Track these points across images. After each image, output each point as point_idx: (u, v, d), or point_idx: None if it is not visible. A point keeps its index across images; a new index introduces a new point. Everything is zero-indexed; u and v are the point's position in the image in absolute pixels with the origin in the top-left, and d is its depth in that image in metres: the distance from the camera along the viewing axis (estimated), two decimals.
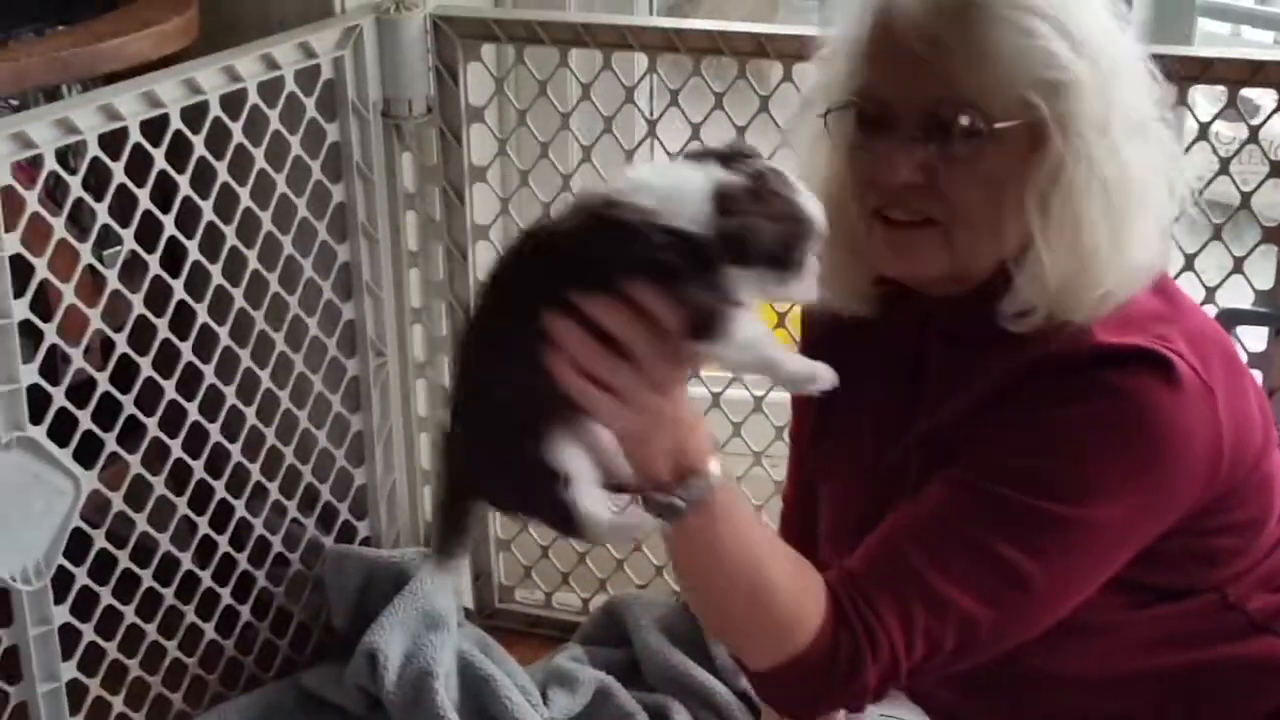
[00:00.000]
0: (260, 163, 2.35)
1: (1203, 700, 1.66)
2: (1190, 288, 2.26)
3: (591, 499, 1.42)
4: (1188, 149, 2.26)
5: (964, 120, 1.49)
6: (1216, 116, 2.25)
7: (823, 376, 1.43)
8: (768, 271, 1.37)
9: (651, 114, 2.53)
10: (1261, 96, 2.23)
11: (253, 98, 2.30)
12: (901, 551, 1.51)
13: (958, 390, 1.59)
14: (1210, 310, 2.27)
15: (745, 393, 2.57)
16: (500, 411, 1.42)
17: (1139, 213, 1.54)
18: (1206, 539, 1.61)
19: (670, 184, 1.37)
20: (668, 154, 2.50)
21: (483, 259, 2.60)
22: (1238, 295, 2.29)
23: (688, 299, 1.34)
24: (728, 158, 1.40)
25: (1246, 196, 2.24)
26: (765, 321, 1.46)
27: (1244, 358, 2.26)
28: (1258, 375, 2.27)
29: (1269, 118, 2.22)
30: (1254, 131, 2.22)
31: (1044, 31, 1.48)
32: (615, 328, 1.32)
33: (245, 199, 2.35)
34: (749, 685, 1.63)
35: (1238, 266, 2.27)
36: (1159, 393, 1.49)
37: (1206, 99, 2.38)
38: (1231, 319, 2.26)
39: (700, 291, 1.34)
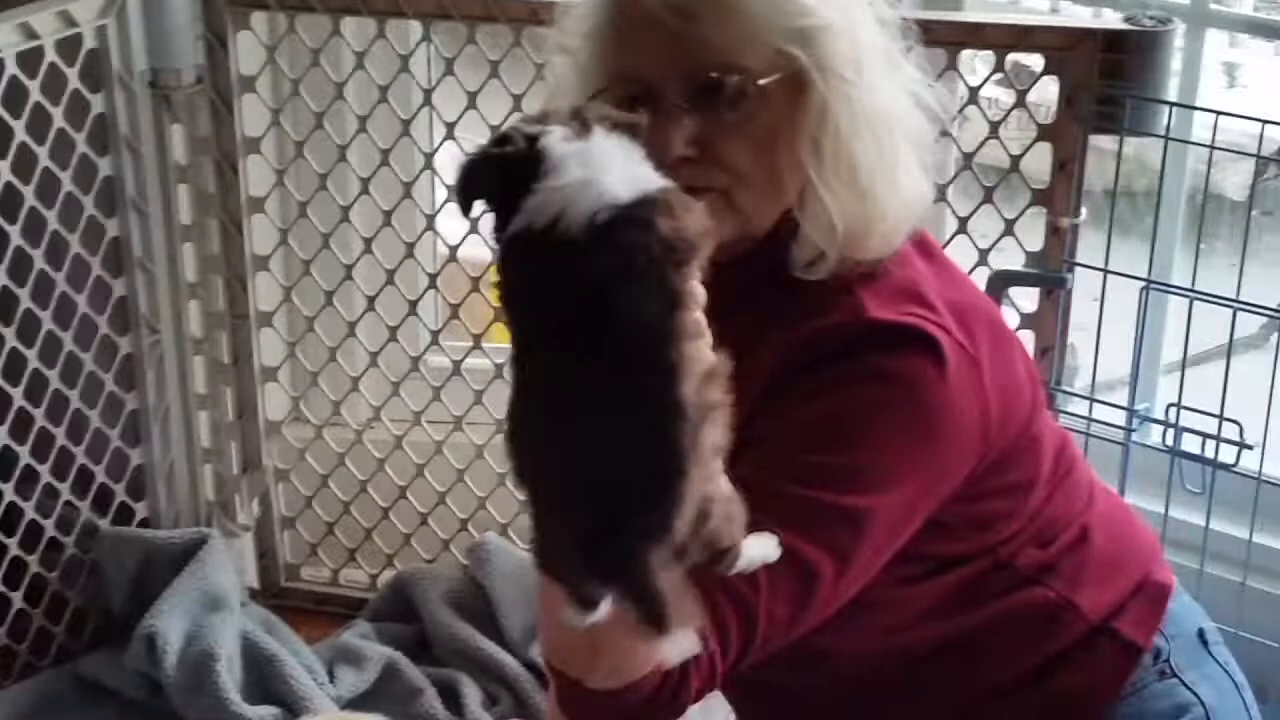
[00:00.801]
0: (21, 135, 2.28)
1: (982, 657, 1.69)
2: (963, 250, 2.30)
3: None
4: (959, 113, 2.30)
5: (728, 83, 1.49)
6: (985, 81, 2.28)
7: None
8: None
9: (428, 82, 2.50)
10: (1032, 60, 2.26)
11: (11, 68, 2.23)
12: None
13: (739, 370, 1.59)
14: (983, 272, 2.30)
15: None
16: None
17: (904, 143, 1.57)
18: (979, 504, 1.63)
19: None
20: (445, 124, 2.47)
21: (258, 232, 2.56)
22: (1010, 258, 2.33)
23: None
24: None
25: (1016, 160, 2.28)
26: None
27: (1017, 319, 2.31)
28: (1031, 336, 2.31)
29: (1035, 81, 2.25)
30: (1021, 95, 2.26)
31: None
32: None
33: (6, 173, 2.27)
34: (546, 670, 1.56)
35: (1009, 229, 2.31)
36: (927, 372, 1.51)
37: (982, 62, 2.41)
38: (1004, 281, 2.30)
39: None
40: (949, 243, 2.32)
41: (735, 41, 1.49)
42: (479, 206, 1.28)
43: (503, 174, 1.26)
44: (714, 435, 1.25)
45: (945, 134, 2.25)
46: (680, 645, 1.31)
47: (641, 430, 1.20)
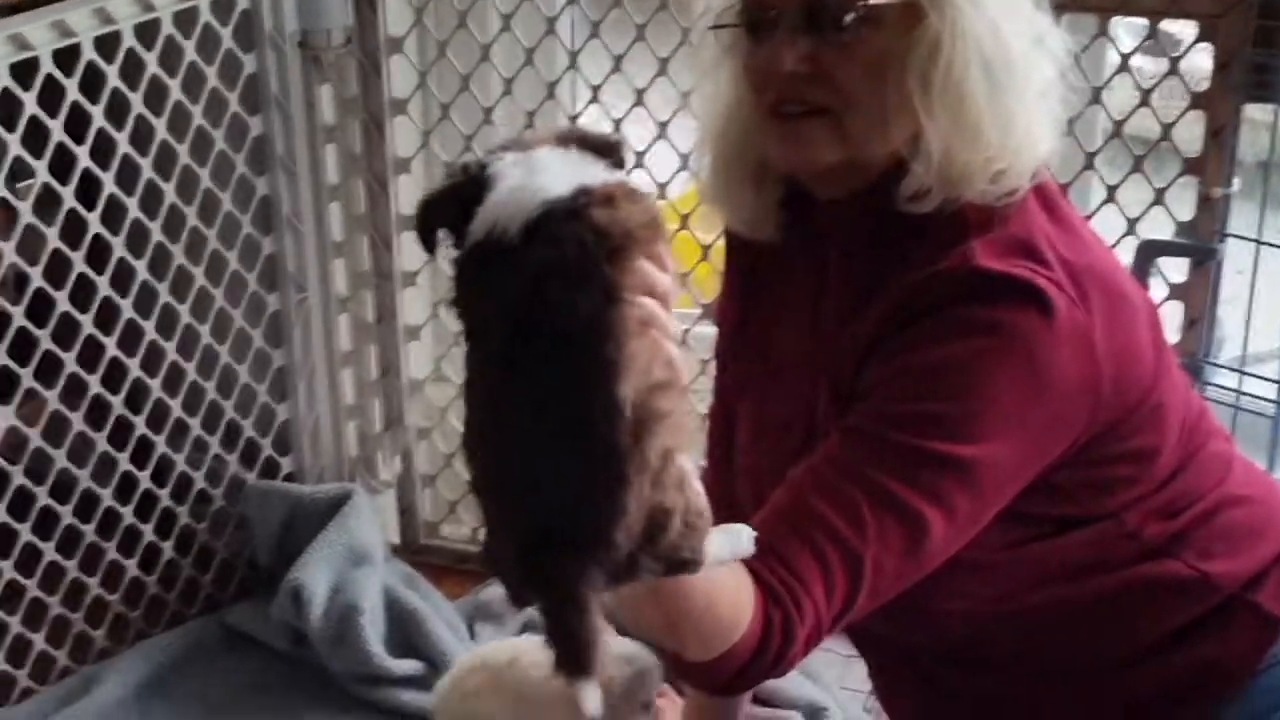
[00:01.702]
0: (176, 94, 2.32)
1: (1106, 626, 1.68)
2: (1112, 220, 2.27)
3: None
4: (1108, 81, 2.27)
5: (838, 5, 1.51)
6: (1136, 49, 2.25)
7: None
8: None
9: (573, 45, 2.51)
10: (1182, 29, 2.23)
11: (167, 28, 2.27)
12: (814, 509, 1.50)
13: (852, 309, 1.60)
14: (1132, 242, 2.28)
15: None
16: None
17: (1022, 92, 1.55)
18: (1099, 468, 1.62)
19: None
20: (589, 86, 2.48)
21: (404, 192, 2.58)
22: (1159, 227, 2.30)
23: None
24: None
25: (1167, 129, 2.25)
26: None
27: (1166, 289, 2.28)
28: (1179, 307, 2.29)
29: (1188, 50, 2.22)
30: (1174, 64, 2.23)
31: None
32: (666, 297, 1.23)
33: (162, 131, 2.32)
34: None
35: (1159, 198, 2.28)
36: (1036, 325, 1.50)
37: (1128, 32, 2.38)
38: (1153, 251, 2.27)
39: None
40: (1096, 211, 2.29)
41: None
42: (441, 237, 1.25)
43: (455, 202, 1.23)
44: (665, 440, 1.17)
45: (1095, 101, 2.24)
46: (591, 696, 1.20)
47: (576, 431, 1.14)
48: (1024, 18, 1.57)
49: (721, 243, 1.88)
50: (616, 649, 1.95)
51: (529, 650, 2.04)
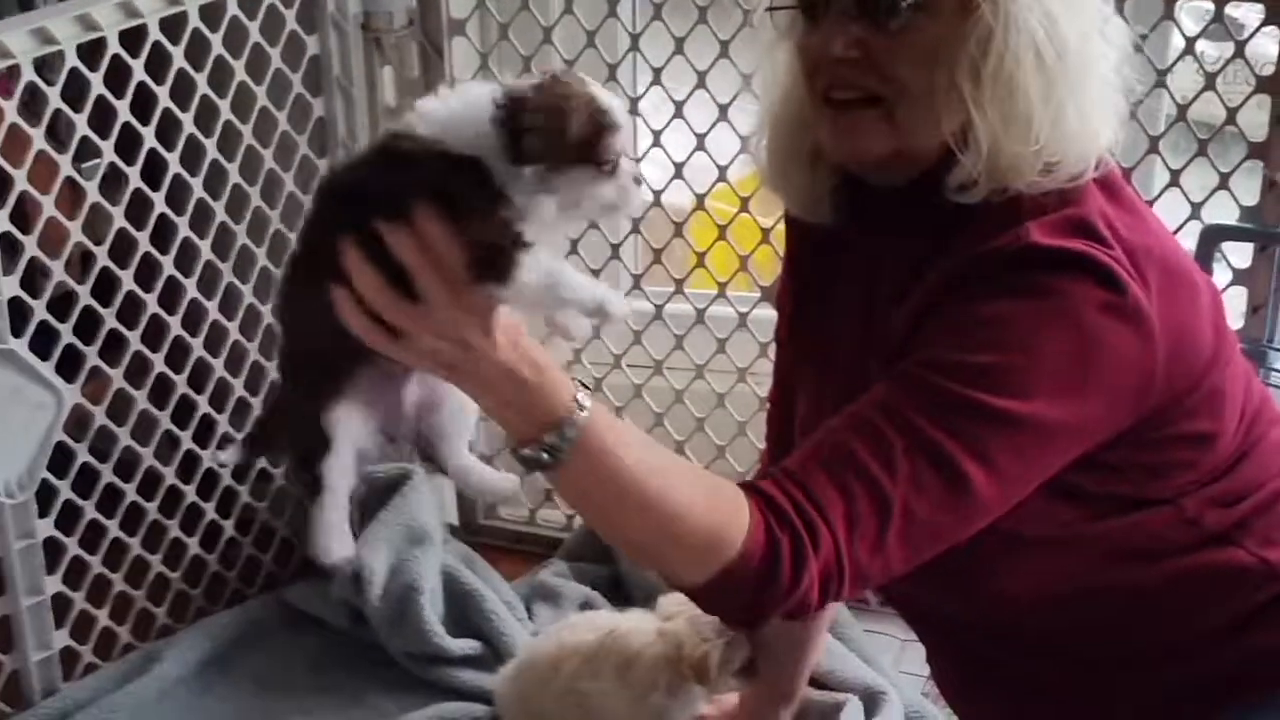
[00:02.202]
0: (240, 75, 2.33)
1: (1167, 613, 1.67)
2: (1175, 204, 2.26)
3: (334, 469, 1.45)
4: (1172, 66, 2.26)
5: None
6: (1201, 33, 2.24)
7: (612, 302, 1.38)
8: (567, 174, 1.33)
9: (634, 28, 2.51)
10: (1246, 14, 2.21)
11: (232, 9, 2.29)
12: (848, 448, 1.49)
13: (904, 292, 1.59)
14: (1195, 226, 2.26)
15: (729, 309, 2.56)
16: (303, 359, 1.45)
17: (1079, 84, 1.54)
18: (1154, 450, 1.61)
19: (453, 107, 1.34)
20: (651, 69, 2.48)
21: None
22: (1223, 212, 2.28)
23: (470, 235, 1.30)
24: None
25: (1232, 113, 2.23)
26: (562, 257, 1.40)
27: (1229, 274, 2.27)
28: (1243, 292, 2.27)
29: (1254, 33, 2.20)
30: (1240, 47, 2.21)
31: None
32: (404, 259, 1.30)
33: (225, 111, 2.33)
34: None
35: (1223, 183, 2.27)
36: (1090, 295, 1.49)
37: (1192, 16, 2.37)
38: (1217, 235, 2.26)
39: (483, 225, 1.31)
40: (1160, 196, 2.28)
41: None
42: None
43: None
44: None
45: (1160, 86, 2.23)
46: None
47: None
48: (1084, 7, 1.56)
49: (782, 226, 1.87)
50: (708, 622, 1.99)
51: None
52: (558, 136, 1.33)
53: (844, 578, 1.47)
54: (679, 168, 2.53)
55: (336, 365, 1.41)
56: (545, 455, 1.37)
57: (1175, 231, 2.10)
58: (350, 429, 1.44)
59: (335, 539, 1.52)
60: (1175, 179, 2.28)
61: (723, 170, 2.49)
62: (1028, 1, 1.50)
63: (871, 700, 2.27)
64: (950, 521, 1.50)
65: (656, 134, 2.52)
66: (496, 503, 2.81)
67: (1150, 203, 2.22)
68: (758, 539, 1.44)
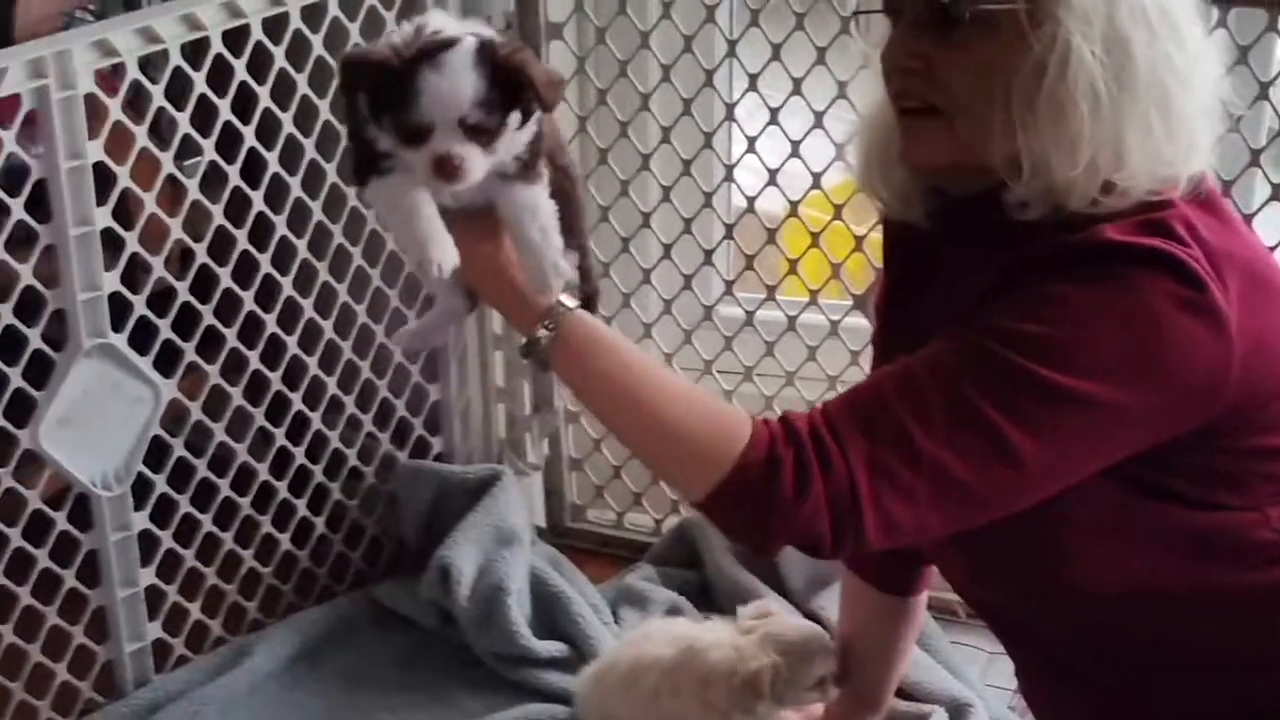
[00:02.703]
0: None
1: (1244, 622, 1.65)
2: (1276, 218, 2.23)
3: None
4: (1275, 79, 2.22)
5: (949, 3, 1.52)
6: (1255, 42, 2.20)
7: (434, 259, 1.53)
8: (389, 124, 1.49)
9: (731, 34, 2.50)
10: None
11: (333, 10, 2.30)
12: (884, 396, 1.51)
13: (976, 286, 1.59)
14: None
15: (820, 317, 2.56)
16: None
17: (1143, 105, 1.53)
18: (1233, 460, 1.60)
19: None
20: (747, 75, 2.48)
21: None
22: None
23: (350, 141, 1.57)
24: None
25: None
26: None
27: None
28: None
29: None
30: None
31: None
32: None
33: (324, 112, 2.35)
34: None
35: None
36: (1164, 288, 1.49)
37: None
38: None
39: (354, 136, 1.55)
40: (1260, 210, 2.25)
41: None
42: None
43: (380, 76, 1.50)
44: None
45: (1262, 98, 2.20)
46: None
47: None
48: (1167, 30, 1.54)
49: (875, 235, 1.87)
50: (790, 630, 1.98)
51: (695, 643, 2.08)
52: (352, 95, 1.53)
53: (862, 515, 1.48)
54: (773, 174, 2.53)
55: None
56: (530, 346, 1.58)
57: (1275, 247, 2.08)
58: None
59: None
60: (1277, 193, 2.25)
61: (817, 177, 2.49)
62: (1086, 28, 1.50)
63: (958, 712, 2.25)
64: (990, 487, 1.50)
65: (751, 140, 2.51)
66: None
67: (1250, 216, 2.20)
68: (759, 448, 1.49)
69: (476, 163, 1.49)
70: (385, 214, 1.60)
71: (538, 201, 1.57)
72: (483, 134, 1.49)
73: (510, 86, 1.49)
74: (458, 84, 1.47)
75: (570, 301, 1.59)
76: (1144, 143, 1.53)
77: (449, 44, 1.48)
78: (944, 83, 1.55)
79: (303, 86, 2.31)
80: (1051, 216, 1.55)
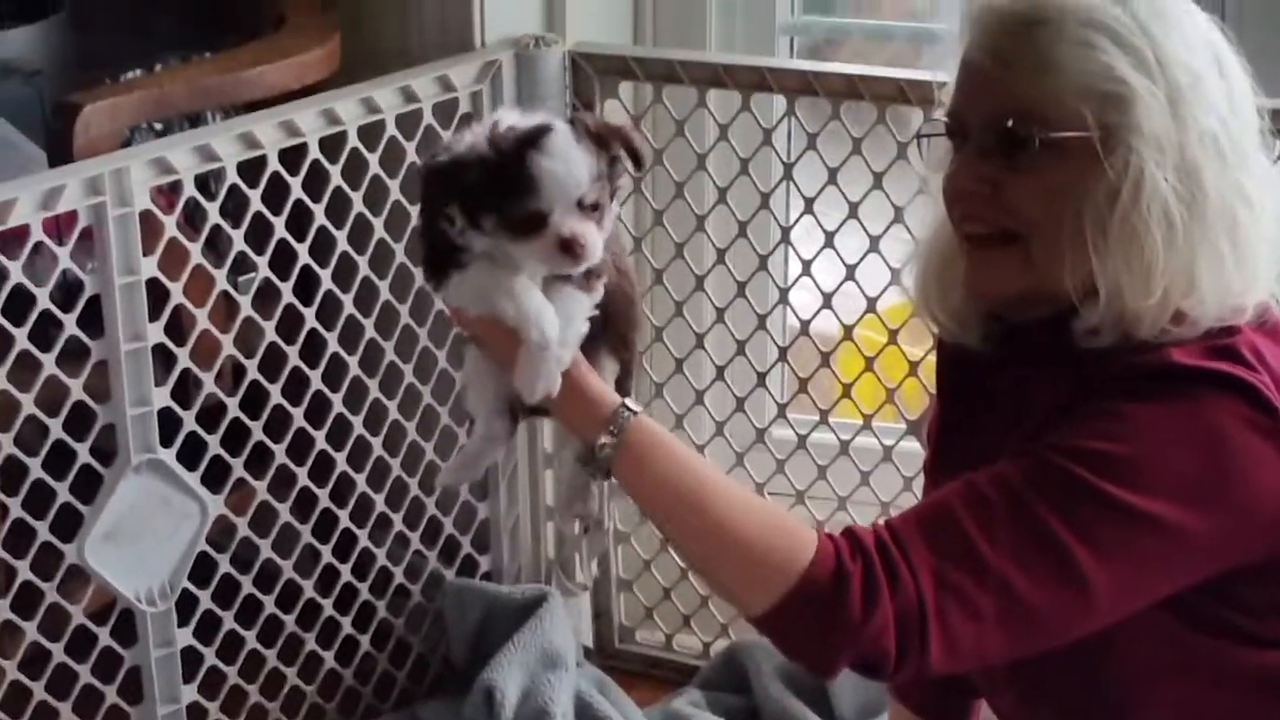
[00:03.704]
0: (395, 194, 2.35)
1: None
2: None
3: (472, 404, 1.65)
4: None
5: (1022, 130, 1.52)
6: None
7: (546, 329, 1.50)
8: (494, 222, 1.47)
9: (789, 156, 2.50)
10: None
11: (390, 129, 2.31)
12: (951, 511, 1.48)
13: (1043, 405, 1.57)
14: None
15: (874, 441, 2.53)
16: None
17: (1215, 233, 1.52)
18: None
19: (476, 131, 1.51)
20: (803, 198, 2.47)
21: None
22: None
23: (423, 238, 1.55)
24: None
25: None
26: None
27: None
28: None
29: None
30: None
31: (1105, 45, 1.50)
32: None
33: (379, 230, 2.35)
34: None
35: None
36: (1235, 411, 1.47)
37: None
38: None
39: (427, 233, 1.53)
40: None
41: (1040, 93, 1.51)
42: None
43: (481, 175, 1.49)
44: None
45: None
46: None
47: None
48: (1236, 158, 1.54)
49: (931, 359, 1.85)
50: None
51: None
52: (445, 193, 1.49)
53: (928, 634, 1.44)
54: (828, 297, 2.51)
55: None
56: (591, 453, 1.53)
57: None
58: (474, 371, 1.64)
59: (460, 469, 1.69)
60: None
61: (872, 301, 2.47)
62: (1163, 158, 1.49)
63: None
64: (1054, 608, 1.47)
65: (806, 263, 2.50)
66: None
67: None
68: (826, 561, 1.45)
69: (596, 240, 1.48)
70: (478, 303, 1.52)
71: (577, 310, 1.54)
72: (596, 210, 1.48)
73: (608, 160, 1.50)
74: (573, 164, 1.46)
75: (635, 405, 1.55)
76: (1215, 271, 1.52)
77: (545, 129, 1.47)
78: (1013, 206, 1.54)
79: (358, 204, 2.32)
80: (1121, 344, 1.53)
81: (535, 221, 1.46)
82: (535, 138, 1.46)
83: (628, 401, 1.55)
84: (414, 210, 2.37)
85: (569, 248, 1.46)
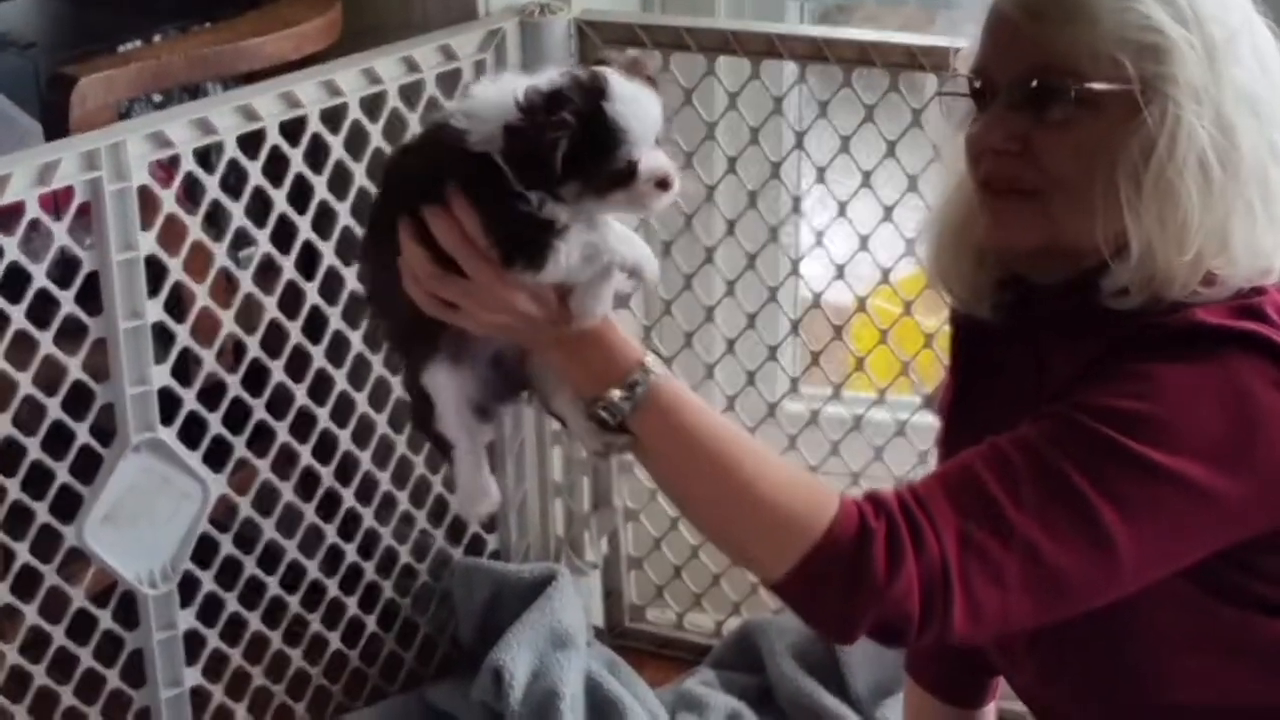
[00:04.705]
0: None
1: None
2: None
3: (450, 426, 1.52)
4: None
5: (1055, 83, 1.48)
6: None
7: (647, 266, 1.45)
8: (570, 188, 1.37)
9: (799, 125, 2.46)
10: None
11: (392, 100, 2.27)
12: (974, 472, 1.44)
13: (1064, 373, 1.54)
14: None
15: (888, 415, 2.49)
16: (391, 324, 1.59)
17: (1249, 191, 1.49)
18: None
19: (483, 100, 1.41)
20: (815, 167, 2.43)
21: None
22: None
23: (493, 226, 1.39)
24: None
25: None
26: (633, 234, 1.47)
27: None
28: None
29: None
30: None
31: None
32: (442, 240, 1.41)
33: None
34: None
35: None
36: (1260, 371, 1.45)
37: None
38: None
39: (502, 219, 1.38)
40: None
41: (1073, 44, 1.47)
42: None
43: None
44: None
45: None
46: None
47: None
48: (1272, 117, 1.51)
49: (946, 330, 1.82)
50: None
51: None
52: (544, 167, 1.36)
53: (951, 596, 1.40)
54: (840, 269, 2.47)
55: (419, 330, 1.49)
56: (609, 412, 1.45)
57: None
58: (444, 386, 1.51)
59: (473, 496, 1.58)
60: None
61: (886, 272, 2.44)
62: (1196, 107, 1.46)
63: None
64: (1080, 571, 1.43)
65: (819, 233, 2.47)
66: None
67: None
68: (848, 523, 1.40)
69: (676, 171, 1.43)
70: (588, 265, 1.41)
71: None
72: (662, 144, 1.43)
73: None
74: (648, 103, 1.40)
75: (655, 363, 1.46)
76: (1247, 229, 1.50)
77: (599, 79, 1.39)
78: (1044, 164, 1.50)
79: (360, 177, 2.27)
80: (1149, 305, 1.50)
81: (628, 170, 1.39)
82: (598, 89, 1.38)
83: (647, 358, 1.46)
84: None
85: (665, 183, 1.40)
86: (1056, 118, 1.49)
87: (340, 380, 2.35)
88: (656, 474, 1.52)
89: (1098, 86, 1.47)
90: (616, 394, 1.45)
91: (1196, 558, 1.48)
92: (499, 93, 1.40)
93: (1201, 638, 1.56)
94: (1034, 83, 1.49)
